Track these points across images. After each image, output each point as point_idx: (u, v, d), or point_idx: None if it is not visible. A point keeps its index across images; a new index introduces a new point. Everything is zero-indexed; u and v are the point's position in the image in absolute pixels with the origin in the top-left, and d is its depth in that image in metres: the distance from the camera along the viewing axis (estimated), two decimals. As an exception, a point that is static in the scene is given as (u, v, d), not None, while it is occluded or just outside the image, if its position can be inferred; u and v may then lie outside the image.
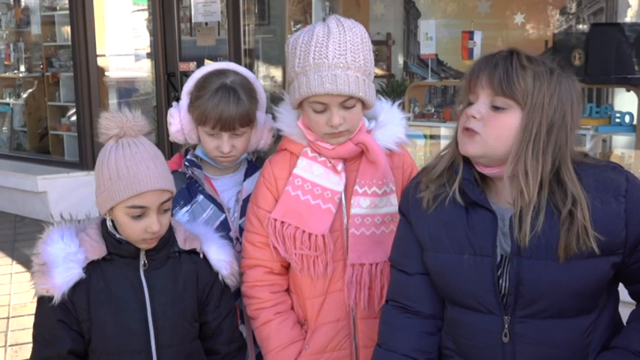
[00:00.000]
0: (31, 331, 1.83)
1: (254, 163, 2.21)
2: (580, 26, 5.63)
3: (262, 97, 2.16)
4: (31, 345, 1.84)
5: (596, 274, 1.53)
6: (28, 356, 1.84)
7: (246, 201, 2.12)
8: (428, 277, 1.70)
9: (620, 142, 4.70)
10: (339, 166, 1.92)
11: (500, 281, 1.57)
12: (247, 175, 2.18)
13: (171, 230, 1.82)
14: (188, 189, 2.13)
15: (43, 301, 1.76)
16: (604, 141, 4.74)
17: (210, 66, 2.15)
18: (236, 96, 2.01)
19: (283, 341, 1.95)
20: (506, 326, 1.58)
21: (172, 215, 2.03)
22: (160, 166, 1.76)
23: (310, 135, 1.90)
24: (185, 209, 2.12)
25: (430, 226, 1.66)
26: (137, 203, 1.71)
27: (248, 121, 2.05)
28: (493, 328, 1.59)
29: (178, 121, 2.11)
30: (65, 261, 1.72)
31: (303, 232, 1.89)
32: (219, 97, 2.00)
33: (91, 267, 1.75)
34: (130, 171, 1.70)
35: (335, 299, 1.94)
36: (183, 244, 1.84)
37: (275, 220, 1.91)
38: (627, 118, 4.54)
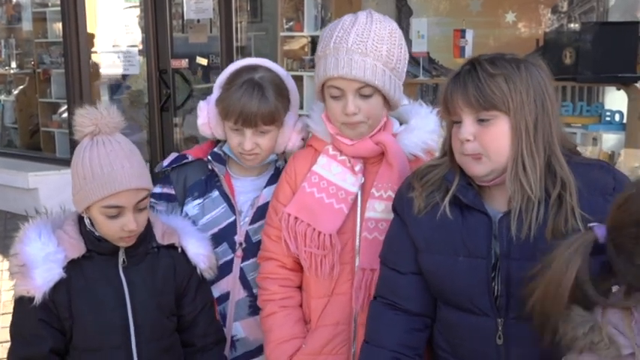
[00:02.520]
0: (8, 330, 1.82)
1: (281, 170, 2.10)
2: (571, 25, 5.65)
3: (294, 97, 2.12)
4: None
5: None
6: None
7: (261, 208, 2.08)
8: (419, 276, 1.70)
9: (610, 140, 4.72)
10: (357, 167, 1.89)
11: (493, 283, 1.57)
12: (270, 181, 2.12)
13: (149, 226, 1.81)
14: (206, 182, 2.11)
15: (23, 301, 1.74)
16: (594, 139, 4.75)
17: (244, 60, 2.15)
18: (260, 91, 1.96)
19: (284, 335, 1.95)
20: (500, 328, 1.58)
21: (184, 205, 2.05)
22: (135, 164, 1.74)
23: (332, 128, 1.88)
24: (197, 202, 2.10)
25: (425, 228, 1.66)
26: (112, 203, 1.70)
27: (272, 119, 1.99)
28: (487, 331, 1.60)
29: (206, 114, 2.08)
30: (45, 261, 1.70)
31: (314, 229, 1.87)
32: (243, 91, 1.97)
33: (70, 265, 1.74)
34: (104, 170, 1.68)
35: (338, 302, 1.92)
36: (162, 239, 1.84)
37: (289, 215, 1.89)
38: (617, 117, 4.57)
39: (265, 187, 2.10)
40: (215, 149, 2.13)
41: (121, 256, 1.78)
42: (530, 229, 1.52)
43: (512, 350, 1.58)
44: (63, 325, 1.76)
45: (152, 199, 1.98)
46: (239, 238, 2.09)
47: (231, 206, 2.09)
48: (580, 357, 1.39)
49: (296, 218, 1.88)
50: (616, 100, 4.74)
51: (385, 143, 1.86)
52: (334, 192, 1.89)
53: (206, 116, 2.08)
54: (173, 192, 2.11)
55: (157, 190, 2.09)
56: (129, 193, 1.70)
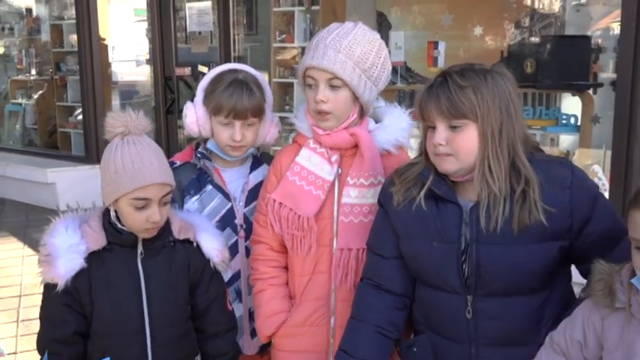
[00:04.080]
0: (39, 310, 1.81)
1: (259, 158, 2.21)
2: (532, 38, 5.68)
3: (270, 95, 2.15)
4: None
5: (545, 256, 1.57)
6: (37, 330, 1.81)
7: (251, 191, 2.12)
8: (401, 260, 1.73)
9: (566, 140, 4.75)
10: (334, 158, 1.91)
11: (464, 265, 1.59)
12: (253, 168, 2.18)
13: (166, 221, 1.79)
14: (198, 179, 2.11)
15: (49, 288, 1.73)
16: (552, 140, 4.79)
17: (223, 66, 2.16)
18: (247, 88, 2.02)
19: (272, 310, 1.97)
20: (469, 304, 1.61)
21: (184, 204, 2.03)
22: (161, 162, 1.73)
23: (311, 119, 1.90)
24: (195, 198, 2.09)
25: (404, 218, 1.68)
26: (141, 195, 1.68)
27: (259, 111, 2.06)
28: (458, 306, 1.63)
29: (193, 113, 2.09)
30: (68, 252, 1.69)
31: (295, 213, 1.89)
32: (233, 88, 2.01)
33: (92, 256, 1.72)
34: (135, 165, 1.67)
35: (319, 279, 1.94)
36: (178, 233, 1.81)
37: (274, 200, 1.91)
38: (572, 120, 4.60)
39: (250, 173, 2.15)
40: (199, 150, 2.14)
41: (140, 249, 1.76)
42: (497, 221, 1.54)
43: (480, 323, 1.61)
44: (85, 310, 1.74)
45: None
46: (239, 220, 2.13)
47: (226, 195, 2.11)
48: (586, 299, 1.49)
49: (280, 203, 1.91)
50: (571, 105, 4.77)
51: (358, 135, 1.88)
52: (313, 180, 1.90)
53: (194, 115, 2.09)
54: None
55: None
56: (156, 187, 1.69)
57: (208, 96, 2.06)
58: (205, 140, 2.16)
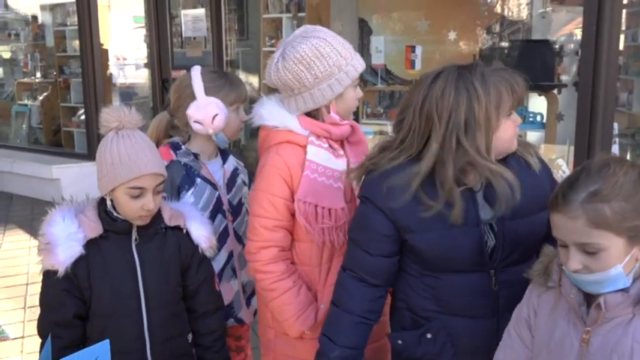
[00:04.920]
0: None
1: (224, 150, 2.22)
2: (502, 43, 5.70)
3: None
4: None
5: (544, 222, 1.57)
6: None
7: (229, 179, 2.17)
8: (386, 258, 1.67)
9: (533, 137, 4.77)
10: (341, 151, 1.88)
11: (488, 243, 1.59)
12: (224, 159, 2.20)
13: (158, 209, 1.78)
14: (188, 175, 2.08)
15: (49, 274, 1.71)
16: (520, 136, 4.80)
17: (195, 71, 2.10)
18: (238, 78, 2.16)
19: (303, 305, 1.86)
20: (493, 278, 1.60)
21: (181, 198, 2.01)
22: (154, 153, 1.73)
23: (332, 118, 1.85)
24: (190, 192, 2.07)
25: (413, 211, 1.57)
26: (137, 184, 1.67)
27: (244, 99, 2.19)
28: (484, 282, 1.60)
29: (223, 113, 2.06)
30: (67, 240, 1.67)
31: (323, 208, 1.81)
32: (234, 78, 2.14)
33: (89, 244, 1.70)
34: (131, 157, 1.66)
35: (340, 263, 1.84)
36: (169, 221, 1.80)
37: (299, 200, 1.81)
38: (539, 118, 4.62)
39: (224, 163, 2.19)
40: (182, 150, 2.10)
41: (134, 235, 1.75)
42: (515, 198, 1.54)
43: (502, 293, 1.61)
44: (83, 295, 1.73)
45: None
46: (226, 206, 2.13)
47: (213, 185, 2.11)
48: (534, 284, 1.49)
49: (305, 202, 1.80)
50: (537, 104, 4.78)
51: (356, 125, 1.91)
52: (330, 174, 1.85)
53: (223, 113, 2.06)
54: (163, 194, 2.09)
55: None
56: (151, 177, 1.68)
57: (224, 91, 2.09)
58: (186, 139, 2.16)
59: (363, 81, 6.25)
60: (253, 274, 1.89)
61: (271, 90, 1.95)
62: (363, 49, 6.34)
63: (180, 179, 2.07)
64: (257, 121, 1.90)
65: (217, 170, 2.17)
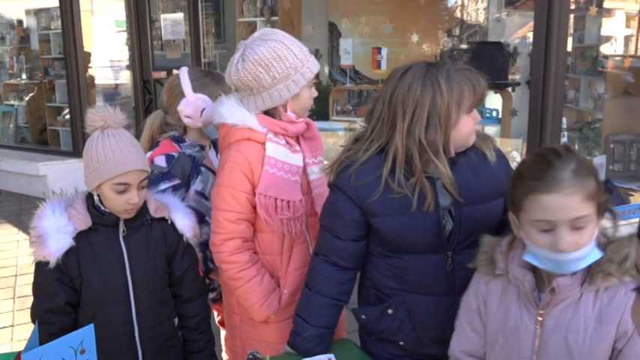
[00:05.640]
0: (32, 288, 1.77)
1: (215, 142, 2.22)
2: (461, 45, 5.76)
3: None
4: (34, 297, 1.79)
5: (499, 209, 1.65)
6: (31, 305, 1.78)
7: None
8: (355, 242, 1.68)
9: (490, 131, 4.83)
10: (297, 147, 1.89)
11: (446, 227, 1.61)
12: (216, 150, 2.18)
13: (144, 202, 1.77)
14: (195, 165, 2.12)
15: (41, 265, 1.69)
16: (478, 131, 4.87)
17: (182, 72, 2.16)
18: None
19: (267, 291, 1.86)
20: (449, 259, 1.62)
21: (191, 184, 2.03)
22: (138, 151, 1.71)
23: (288, 116, 1.84)
24: (198, 179, 2.12)
25: (381, 199, 1.59)
26: (122, 180, 1.66)
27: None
28: (441, 263, 1.63)
29: (207, 104, 2.11)
30: (57, 233, 1.65)
31: (282, 200, 1.81)
32: (218, 75, 2.14)
33: (79, 236, 1.69)
34: (116, 155, 1.64)
35: (300, 251, 1.89)
36: (154, 213, 1.80)
37: (260, 194, 1.80)
38: (494, 113, 4.69)
39: (217, 154, 2.17)
40: (187, 143, 2.15)
41: (121, 227, 1.74)
42: (473, 185, 1.61)
43: (458, 274, 1.63)
44: (74, 283, 1.71)
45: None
46: None
47: (213, 172, 2.14)
48: (480, 274, 1.49)
49: (265, 195, 1.80)
50: (493, 101, 4.85)
51: (309, 122, 1.92)
52: (288, 169, 1.85)
53: (210, 107, 2.09)
54: (178, 181, 2.09)
55: (164, 186, 2.05)
56: (135, 173, 1.67)
57: (207, 87, 2.12)
58: (183, 132, 2.19)
59: (333, 81, 6.31)
60: (219, 265, 1.89)
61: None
62: (333, 50, 6.37)
63: (189, 169, 2.11)
64: (217, 119, 1.89)
65: (214, 159, 2.20)
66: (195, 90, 2.11)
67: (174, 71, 6.06)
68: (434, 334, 1.68)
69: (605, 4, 4.93)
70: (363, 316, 1.75)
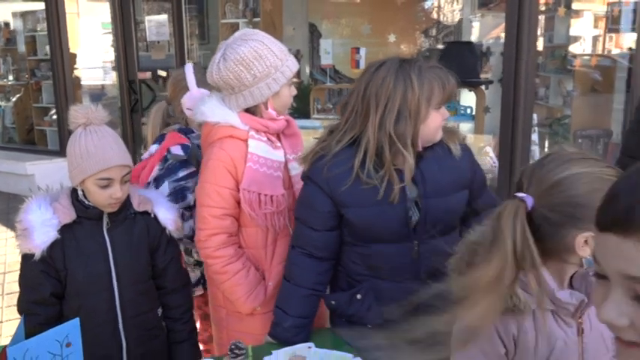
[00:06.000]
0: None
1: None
2: (437, 44, 5.80)
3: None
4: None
5: (463, 201, 1.70)
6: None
7: None
8: (329, 232, 1.70)
9: (464, 127, 4.88)
10: (278, 144, 1.89)
11: (412, 218, 1.64)
12: None
13: (128, 196, 1.77)
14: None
15: (27, 258, 1.69)
16: (444, 126, 4.90)
17: (188, 67, 2.22)
18: None
19: (252, 284, 1.86)
20: (415, 248, 1.66)
21: (200, 172, 2.00)
22: (121, 146, 1.71)
23: (269, 114, 1.85)
24: None
25: (352, 191, 1.62)
26: (105, 176, 1.65)
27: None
28: (407, 251, 1.66)
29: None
30: (42, 226, 1.65)
31: (265, 195, 1.82)
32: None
33: (64, 229, 1.69)
34: (99, 151, 1.64)
35: (283, 244, 1.89)
36: (138, 206, 1.80)
37: (244, 190, 1.81)
38: (468, 110, 4.73)
39: None
40: (195, 134, 2.20)
41: (105, 220, 1.74)
42: (438, 178, 1.65)
43: (422, 261, 1.66)
44: (59, 275, 1.71)
45: (182, 182, 2.11)
46: None
47: None
48: (503, 317, 1.19)
49: (249, 191, 1.81)
50: (467, 98, 4.90)
51: (289, 120, 1.93)
52: (270, 165, 1.86)
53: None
54: (194, 169, 2.15)
55: (182, 173, 2.14)
56: (118, 168, 1.67)
57: (202, 78, 2.11)
58: (186, 124, 2.25)
59: (314, 80, 6.31)
60: (204, 260, 1.89)
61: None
62: (314, 51, 6.37)
63: (202, 158, 2.09)
64: (199, 117, 1.89)
65: None
66: (198, 85, 2.17)
67: (160, 71, 6.05)
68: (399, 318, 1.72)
69: (574, 6, 4.99)
70: (333, 302, 1.78)
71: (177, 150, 2.15)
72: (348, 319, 1.77)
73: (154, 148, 2.21)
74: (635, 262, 0.62)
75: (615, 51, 4.86)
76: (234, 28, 6.29)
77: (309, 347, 1.69)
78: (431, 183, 1.64)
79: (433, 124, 1.61)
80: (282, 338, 1.74)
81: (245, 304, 1.87)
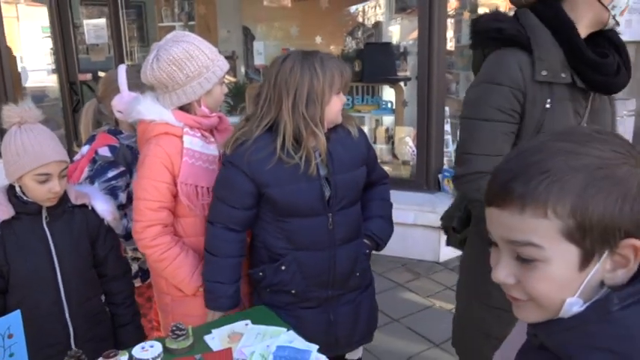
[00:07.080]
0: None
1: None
2: (360, 45, 5.88)
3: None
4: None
5: (364, 175, 1.85)
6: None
7: None
8: (249, 210, 1.75)
9: (387, 120, 4.99)
10: (212, 139, 1.89)
11: (325, 193, 1.73)
12: None
13: (64, 191, 1.72)
14: (133, 154, 2.08)
15: None
16: (377, 120, 5.00)
17: (121, 69, 2.11)
18: None
19: (193, 264, 1.84)
20: (330, 220, 1.74)
21: (134, 171, 1.98)
22: (57, 143, 1.65)
23: (202, 111, 1.83)
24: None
25: (273, 171, 1.67)
26: (43, 171, 1.60)
27: None
28: (323, 223, 1.75)
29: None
30: None
31: (202, 187, 1.82)
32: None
33: (3, 225, 1.63)
34: (35, 147, 1.58)
35: None
36: (75, 200, 1.75)
37: (182, 183, 1.79)
38: (389, 105, 4.83)
39: None
40: (124, 135, 2.12)
41: (44, 214, 1.68)
42: (343, 157, 1.76)
43: (337, 230, 1.76)
44: (1, 271, 1.64)
45: (112, 182, 2.03)
46: None
47: None
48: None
49: (187, 184, 1.80)
50: (388, 94, 5.00)
51: (221, 116, 1.94)
52: (206, 159, 1.85)
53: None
54: (123, 169, 2.08)
55: (111, 173, 2.05)
56: (56, 164, 1.61)
57: (137, 81, 2.02)
58: (116, 125, 2.16)
59: (249, 79, 6.26)
60: (143, 251, 1.84)
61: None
62: (248, 52, 6.31)
63: (131, 158, 2.08)
64: (135, 116, 1.86)
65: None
66: (130, 88, 2.06)
67: (100, 73, 5.84)
68: (319, 281, 1.81)
69: (480, 10, 5.18)
70: (260, 274, 1.82)
71: (104, 152, 2.08)
72: (272, 289, 1.83)
73: (85, 149, 2.13)
74: (512, 228, 0.71)
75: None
76: (171, 31, 6.14)
77: (246, 324, 1.71)
78: (338, 161, 1.74)
79: (335, 107, 1.72)
80: (226, 307, 1.80)
81: (190, 284, 1.85)
